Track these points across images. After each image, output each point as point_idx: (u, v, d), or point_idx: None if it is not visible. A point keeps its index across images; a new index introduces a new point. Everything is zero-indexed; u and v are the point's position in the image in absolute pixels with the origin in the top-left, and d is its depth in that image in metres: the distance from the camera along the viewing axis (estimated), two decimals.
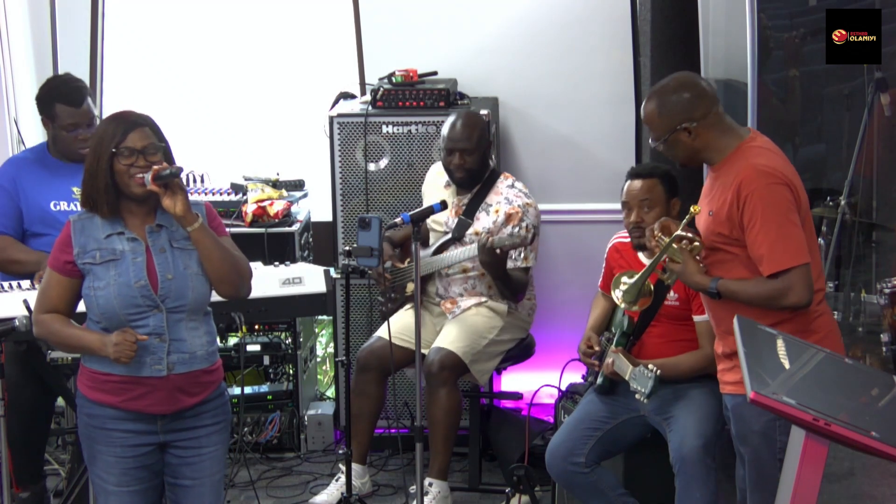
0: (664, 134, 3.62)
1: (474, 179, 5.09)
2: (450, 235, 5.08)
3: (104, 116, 4.74)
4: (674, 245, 3.62)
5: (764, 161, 3.54)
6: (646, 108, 3.70)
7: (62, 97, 4.67)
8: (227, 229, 3.70)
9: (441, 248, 5.08)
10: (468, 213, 5.06)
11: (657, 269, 3.76)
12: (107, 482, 3.52)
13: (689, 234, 3.61)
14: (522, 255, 4.99)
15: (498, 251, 4.78)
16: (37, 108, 4.78)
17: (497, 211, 5.01)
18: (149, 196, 3.48)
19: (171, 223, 3.53)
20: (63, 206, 4.70)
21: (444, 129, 5.07)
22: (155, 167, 3.44)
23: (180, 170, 3.46)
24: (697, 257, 3.63)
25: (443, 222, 5.12)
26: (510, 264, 4.97)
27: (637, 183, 4.36)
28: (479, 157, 5.05)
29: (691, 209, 3.63)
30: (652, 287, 3.89)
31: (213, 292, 3.61)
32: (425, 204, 5.17)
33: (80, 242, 3.48)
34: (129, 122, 3.49)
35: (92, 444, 3.53)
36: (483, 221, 5.03)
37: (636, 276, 3.84)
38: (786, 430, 3.50)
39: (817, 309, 3.61)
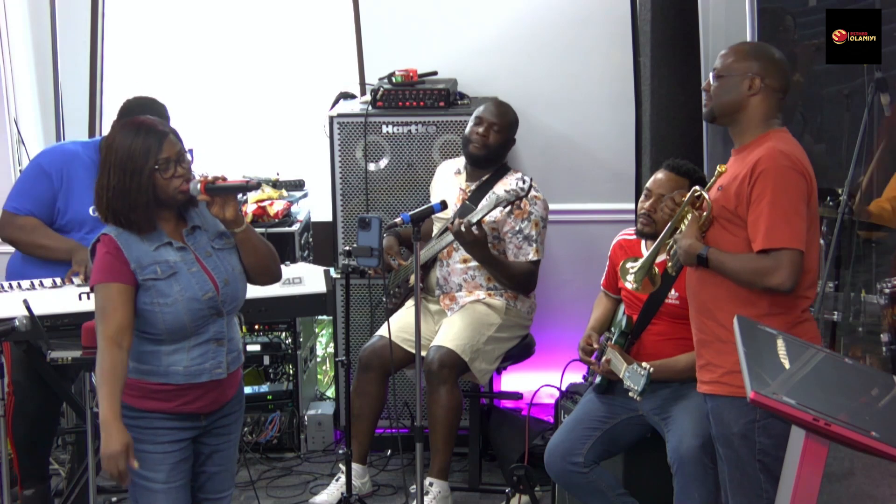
0: (732, 70, 3.58)
1: (488, 161, 5.13)
2: (453, 218, 5.08)
3: (103, 117, 4.79)
4: (687, 209, 3.62)
5: (786, 147, 3.55)
6: (737, 44, 3.70)
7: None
8: None
9: (443, 233, 5.09)
10: (473, 200, 5.07)
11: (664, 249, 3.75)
12: (154, 481, 3.49)
13: (706, 195, 3.60)
14: (533, 247, 4.99)
15: (475, 230, 4.78)
16: (119, 109, 4.71)
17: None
18: (182, 202, 3.46)
19: (203, 223, 3.52)
20: None
21: (479, 108, 5.17)
22: (205, 177, 3.42)
23: (258, 185, 3.46)
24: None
25: (450, 208, 5.13)
26: (520, 258, 4.97)
27: (669, 175, 4.38)
28: (501, 141, 5.12)
29: (718, 167, 3.60)
30: (658, 274, 3.87)
31: None
32: (433, 200, 5.18)
33: (134, 256, 3.40)
34: (158, 131, 3.42)
35: (136, 446, 3.44)
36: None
37: (647, 254, 3.83)
38: (766, 431, 3.52)
39: (802, 315, 3.60)
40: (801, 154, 3.59)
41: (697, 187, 3.66)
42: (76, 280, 4.42)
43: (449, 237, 5.00)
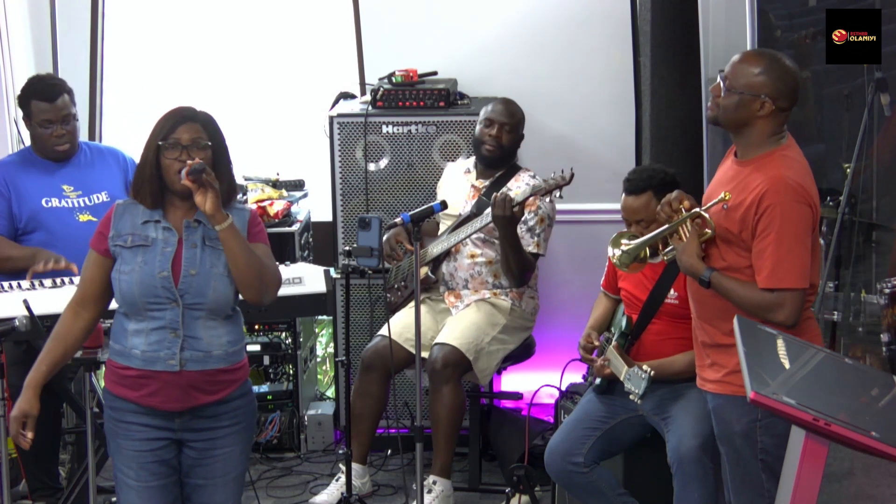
0: (745, 88, 3.51)
1: (502, 160, 5.15)
2: (468, 212, 5.09)
3: (103, 117, 4.80)
4: (687, 222, 3.58)
5: (795, 176, 3.49)
6: (752, 55, 3.62)
7: (37, 93, 4.75)
8: None
9: (460, 224, 5.11)
10: (488, 195, 5.08)
11: (659, 245, 3.72)
12: (128, 476, 3.54)
13: (707, 216, 3.56)
14: (534, 240, 4.99)
15: (516, 208, 4.75)
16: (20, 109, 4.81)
17: (516, 195, 5.01)
18: (185, 191, 3.47)
19: (208, 220, 3.53)
20: (54, 202, 4.72)
21: (486, 108, 5.18)
22: (189, 162, 3.43)
23: (204, 166, 3.43)
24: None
25: (460, 206, 5.13)
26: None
27: (631, 200, 4.33)
28: (513, 140, 5.15)
29: (723, 194, 3.53)
30: (647, 254, 3.80)
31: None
32: (440, 196, 5.19)
33: (118, 226, 3.50)
34: (181, 115, 3.49)
35: (114, 438, 3.55)
36: None
37: (639, 240, 3.80)
38: (768, 431, 3.51)
39: (802, 314, 3.58)
40: (808, 178, 3.54)
41: (698, 209, 3.60)
42: (46, 282, 4.39)
43: (462, 233, 5.03)
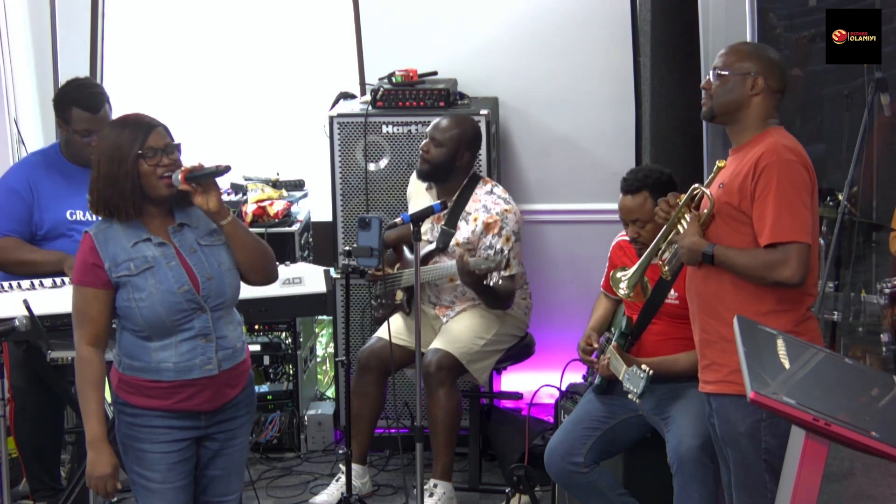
0: (735, 69, 3.59)
1: (436, 175, 5.05)
2: (434, 245, 5.06)
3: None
4: (683, 210, 3.61)
5: (787, 141, 3.56)
6: (737, 44, 3.73)
7: (79, 101, 4.62)
8: None
9: (426, 258, 5.06)
10: (450, 223, 5.04)
11: (660, 262, 3.74)
12: (151, 481, 3.51)
13: (707, 191, 3.59)
14: (505, 264, 4.95)
15: (476, 272, 4.73)
16: (53, 109, 4.75)
17: (476, 220, 4.98)
18: (167, 196, 3.47)
19: (192, 221, 3.52)
20: (79, 215, 4.65)
21: None
22: (185, 167, 3.43)
23: (228, 168, 3.45)
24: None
25: (426, 230, 5.09)
26: (494, 278, 4.91)
27: (627, 200, 4.33)
28: (445, 154, 5.01)
29: (717, 162, 3.60)
30: (649, 285, 3.87)
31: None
32: (410, 207, 5.17)
33: (109, 255, 3.44)
34: (146, 123, 3.47)
35: (135, 445, 3.50)
36: (464, 231, 5.00)
37: (636, 265, 3.82)
38: (772, 431, 3.51)
39: (807, 313, 3.61)
40: (802, 148, 3.60)
41: (698, 185, 3.64)
42: (46, 282, 4.36)
43: (433, 270, 4.98)
